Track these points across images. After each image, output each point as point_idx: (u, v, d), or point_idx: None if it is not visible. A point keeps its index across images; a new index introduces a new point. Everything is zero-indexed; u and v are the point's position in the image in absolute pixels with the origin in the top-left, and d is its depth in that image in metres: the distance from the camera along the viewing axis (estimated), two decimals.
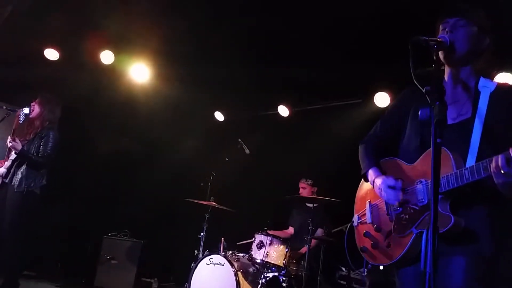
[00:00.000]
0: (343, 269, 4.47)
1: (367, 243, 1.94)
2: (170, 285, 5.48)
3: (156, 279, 5.74)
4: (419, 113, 1.62)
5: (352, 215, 4.53)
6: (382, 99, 5.08)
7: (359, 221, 2.06)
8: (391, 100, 5.04)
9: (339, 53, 4.62)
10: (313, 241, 4.37)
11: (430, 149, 1.59)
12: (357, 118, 5.40)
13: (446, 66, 1.90)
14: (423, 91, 1.55)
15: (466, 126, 1.73)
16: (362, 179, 2.11)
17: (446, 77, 1.91)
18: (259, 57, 4.96)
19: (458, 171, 1.62)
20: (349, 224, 4.44)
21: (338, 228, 4.50)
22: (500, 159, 1.50)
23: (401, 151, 1.96)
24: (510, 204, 1.66)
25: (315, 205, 4.26)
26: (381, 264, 1.88)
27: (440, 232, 1.59)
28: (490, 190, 1.59)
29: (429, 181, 1.73)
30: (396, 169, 1.92)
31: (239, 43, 4.71)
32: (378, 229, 1.91)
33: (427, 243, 1.38)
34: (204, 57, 5.10)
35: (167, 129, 6.27)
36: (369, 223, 1.97)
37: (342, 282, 4.43)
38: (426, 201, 1.72)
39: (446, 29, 1.79)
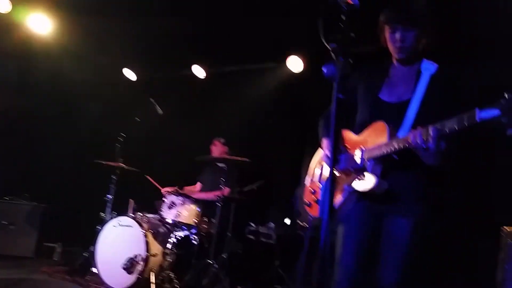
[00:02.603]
0: (252, 224, 4.65)
1: (311, 199, 2.24)
2: (75, 249, 5.25)
3: (60, 243, 5.47)
4: (323, 70, 1.67)
5: (262, 175, 4.75)
6: (295, 63, 5.18)
7: (310, 181, 2.36)
8: (304, 64, 5.15)
9: (253, 17, 4.58)
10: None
11: (376, 123, 1.96)
12: (271, 82, 5.49)
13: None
14: (329, 48, 1.62)
15: (404, 106, 1.96)
16: (319, 148, 2.39)
17: (394, 60, 2.14)
18: (174, 11, 4.72)
19: (389, 140, 1.89)
20: (261, 182, 4.60)
21: (249, 187, 4.61)
22: (417, 133, 1.74)
23: (356, 124, 2.21)
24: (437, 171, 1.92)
25: (226, 165, 4.31)
26: (319, 217, 2.16)
27: (365, 190, 1.93)
28: (418, 159, 1.83)
29: (366, 148, 1.99)
30: (345, 138, 2.19)
31: None
32: (322, 188, 2.19)
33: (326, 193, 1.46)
34: (113, 8, 4.74)
35: (72, 86, 5.82)
36: (317, 182, 2.27)
37: (251, 236, 4.62)
38: (360, 165, 1.99)
39: (398, 38, 2.01)
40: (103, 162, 4.53)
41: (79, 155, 5.49)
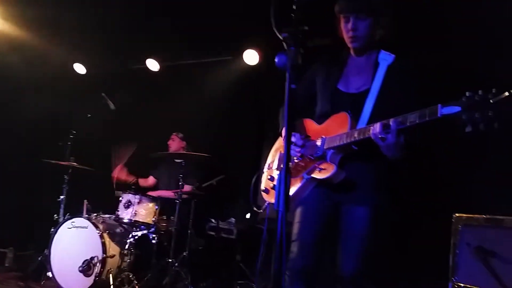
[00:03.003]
0: (213, 220, 4.59)
1: (269, 185, 2.25)
2: (28, 253, 5.02)
3: (11, 248, 5.21)
4: (275, 60, 1.66)
5: (222, 169, 4.71)
6: (251, 57, 5.13)
7: (268, 168, 2.36)
8: (260, 57, 5.12)
9: (209, 9, 4.50)
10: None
11: (338, 114, 2.00)
12: (227, 75, 5.43)
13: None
14: (281, 38, 1.60)
15: (362, 97, 1.99)
16: (279, 137, 2.39)
17: (351, 51, 2.16)
18: (127, 2, 4.55)
19: (350, 131, 1.92)
20: (221, 177, 4.55)
21: (208, 182, 4.54)
22: (378, 126, 1.77)
23: (316, 114, 2.23)
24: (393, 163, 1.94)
25: (184, 160, 4.23)
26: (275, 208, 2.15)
27: (323, 178, 1.96)
28: (377, 150, 1.85)
29: (327, 137, 1.99)
30: (307, 127, 2.21)
31: None
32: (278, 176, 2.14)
33: (280, 184, 1.44)
34: None
35: (19, 81, 5.50)
36: (275, 169, 2.28)
37: (211, 233, 4.57)
38: (320, 153, 2.01)
39: (350, 27, 2.03)
40: (53, 161, 4.33)
41: (29, 155, 5.22)
